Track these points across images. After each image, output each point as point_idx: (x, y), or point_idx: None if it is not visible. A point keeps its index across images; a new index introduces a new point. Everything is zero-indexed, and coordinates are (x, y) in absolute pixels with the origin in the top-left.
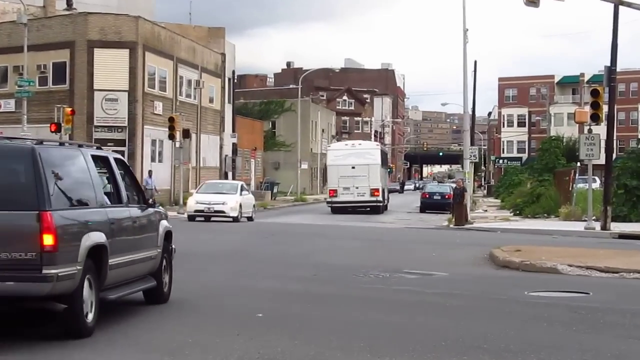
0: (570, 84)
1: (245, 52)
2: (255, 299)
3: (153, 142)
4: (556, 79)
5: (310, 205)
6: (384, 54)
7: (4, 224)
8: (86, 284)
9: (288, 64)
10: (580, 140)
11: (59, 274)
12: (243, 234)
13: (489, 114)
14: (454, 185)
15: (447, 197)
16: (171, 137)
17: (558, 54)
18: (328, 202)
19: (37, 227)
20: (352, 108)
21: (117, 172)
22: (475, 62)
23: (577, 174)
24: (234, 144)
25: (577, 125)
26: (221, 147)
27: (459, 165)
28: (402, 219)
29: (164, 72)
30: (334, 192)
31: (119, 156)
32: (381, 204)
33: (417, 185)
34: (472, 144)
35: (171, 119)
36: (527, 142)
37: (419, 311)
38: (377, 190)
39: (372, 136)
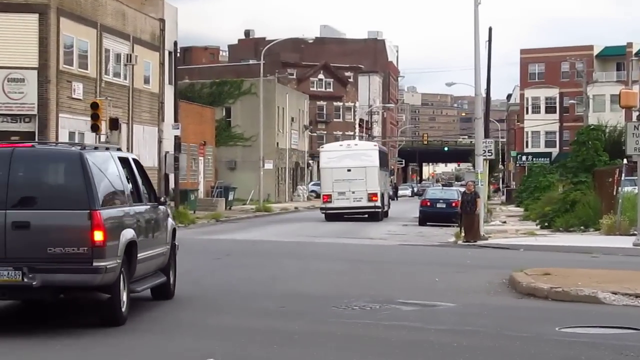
0: (614, 57)
1: (191, 18)
2: (203, 338)
3: (71, 135)
4: (596, 51)
5: (276, 217)
6: (371, 20)
7: (59, 222)
8: (121, 276)
9: (247, 33)
10: (628, 130)
11: (107, 267)
12: (187, 254)
13: (509, 96)
14: (462, 189)
15: (453, 205)
16: (94, 128)
17: (598, 18)
18: (322, 209)
19: (88, 224)
20: (331, 90)
21: (137, 172)
22: (490, 29)
23: (623, 174)
24: (176, 138)
25: (624, 110)
26: (160, 142)
27: (469, 164)
28: (395, 233)
29: (84, 43)
30: (327, 198)
31: (135, 157)
32: (380, 210)
33: (415, 189)
34: (486, 135)
35: (94, 105)
36: (557, 133)
37: (417, 354)
38: (376, 194)
39: (356, 126)
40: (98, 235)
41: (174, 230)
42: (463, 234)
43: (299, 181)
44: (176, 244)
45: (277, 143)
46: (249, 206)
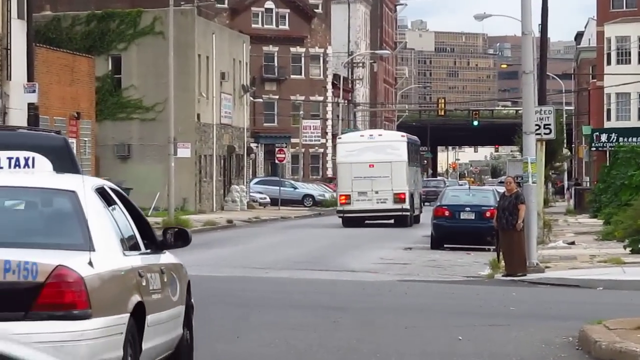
0: None
1: None
2: None
3: None
4: None
5: (198, 237)
6: None
7: None
8: None
9: None
10: None
11: None
12: None
13: (579, 37)
14: (501, 189)
15: (487, 215)
16: None
17: None
18: (339, 212)
19: None
20: (286, 27)
21: None
22: None
23: None
24: (31, 108)
25: None
26: (4, 113)
27: (513, 149)
28: (392, 261)
29: None
30: (346, 199)
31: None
32: (409, 214)
33: (424, 188)
34: (541, 101)
35: None
36: None
37: None
38: (403, 194)
39: (328, 87)
40: None
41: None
42: (503, 263)
43: (234, 178)
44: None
45: (198, 115)
46: (152, 219)
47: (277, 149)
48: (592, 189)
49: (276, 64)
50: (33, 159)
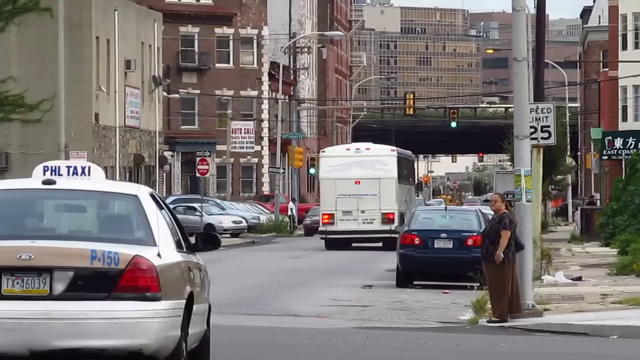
0: None
1: None
2: None
3: None
4: None
5: None
6: None
7: None
8: None
9: None
10: None
11: None
12: None
13: (585, 14)
14: (486, 209)
15: (469, 243)
16: None
17: None
18: (321, 232)
19: None
20: (209, 2)
21: None
22: None
23: None
24: None
25: None
26: None
27: (502, 157)
28: (347, 302)
29: None
30: (329, 218)
31: None
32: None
33: None
34: (537, 97)
35: None
36: None
37: None
38: (392, 214)
39: (264, 79)
40: None
41: None
42: (491, 304)
43: None
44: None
45: (97, 115)
46: None
47: (198, 159)
48: (604, 208)
49: (197, 50)
50: (89, 167)
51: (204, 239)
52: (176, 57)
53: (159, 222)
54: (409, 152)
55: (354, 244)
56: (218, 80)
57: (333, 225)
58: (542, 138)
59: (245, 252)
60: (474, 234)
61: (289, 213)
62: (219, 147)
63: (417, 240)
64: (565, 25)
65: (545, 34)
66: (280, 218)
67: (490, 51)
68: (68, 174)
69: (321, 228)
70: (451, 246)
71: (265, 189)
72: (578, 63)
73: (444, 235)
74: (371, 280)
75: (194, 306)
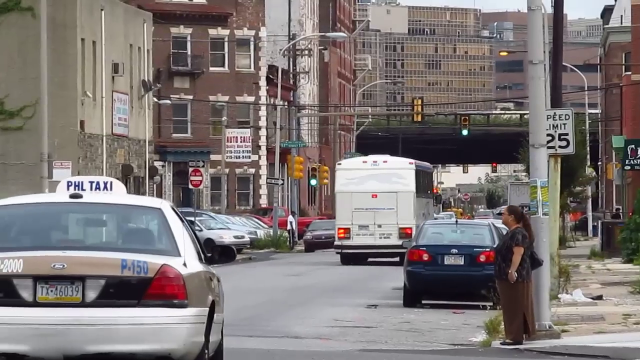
0: None
1: None
2: None
3: None
4: None
5: None
6: None
7: None
8: None
9: None
10: None
11: None
12: None
13: (606, 13)
14: (500, 223)
15: (481, 260)
16: None
17: None
18: (336, 247)
19: None
20: (203, 1)
21: None
22: None
23: None
24: None
25: None
26: None
27: (517, 167)
28: (350, 323)
29: None
30: (345, 232)
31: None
32: None
33: None
34: (555, 102)
35: None
36: None
37: None
38: (410, 229)
39: (262, 83)
40: None
41: None
42: (505, 326)
43: None
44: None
45: (82, 123)
46: None
47: (191, 170)
48: (626, 222)
49: (189, 52)
50: (111, 183)
51: (219, 251)
52: (167, 60)
53: (182, 234)
54: (427, 164)
55: (369, 259)
56: (212, 85)
57: (349, 240)
58: (559, 147)
59: (241, 270)
60: (487, 249)
61: (289, 227)
62: (213, 157)
63: (425, 257)
64: (585, 26)
65: (564, 34)
66: (279, 233)
67: (504, 53)
68: (91, 189)
69: (337, 243)
70: (462, 263)
71: (263, 202)
72: (598, 66)
73: (454, 251)
74: (376, 299)
75: (215, 315)
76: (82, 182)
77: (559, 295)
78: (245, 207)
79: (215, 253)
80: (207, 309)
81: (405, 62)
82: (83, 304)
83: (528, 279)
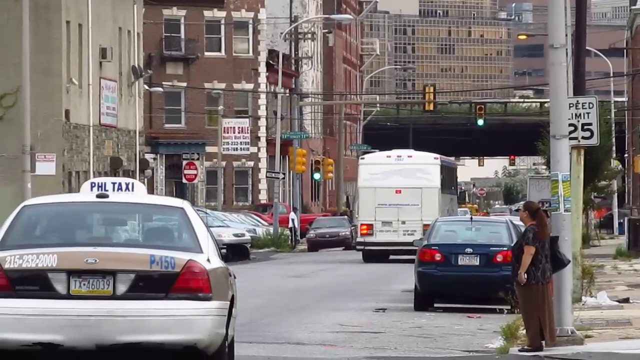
0: None
1: None
2: None
3: None
4: None
5: None
6: None
7: None
8: None
9: None
10: None
11: None
12: None
13: None
14: (518, 221)
15: (498, 260)
16: None
17: None
18: (359, 244)
19: None
20: None
21: None
22: None
23: None
24: None
25: None
26: None
27: (537, 160)
28: (357, 328)
29: None
30: (368, 228)
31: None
32: None
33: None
34: (577, 90)
35: None
36: None
37: None
38: None
39: (261, 69)
40: None
41: None
42: (527, 331)
43: None
44: None
45: (67, 112)
46: None
47: (184, 163)
48: None
49: (183, 36)
50: (133, 184)
51: (234, 250)
52: (159, 44)
53: (204, 232)
54: (452, 159)
55: (391, 257)
56: (208, 71)
57: (372, 237)
58: (582, 138)
59: (240, 270)
60: (504, 248)
61: (290, 225)
62: (208, 149)
63: (438, 257)
64: (610, 7)
65: (587, 17)
66: (280, 231)
67: (523, 37)
68: (113, 190)
69: (359, 239)
70: (477, 263)
71: (263, 198)
72: (625, 50)
73: (469, 250)
74: (385, 302)
75: (233, 309)
76: (104, 183)
77: (582, 298)
78: (244, 203)
79: (230, 252)
80: (228, 302)
81: (416, 47)
82: (114, 297)
83: (544, 281)
